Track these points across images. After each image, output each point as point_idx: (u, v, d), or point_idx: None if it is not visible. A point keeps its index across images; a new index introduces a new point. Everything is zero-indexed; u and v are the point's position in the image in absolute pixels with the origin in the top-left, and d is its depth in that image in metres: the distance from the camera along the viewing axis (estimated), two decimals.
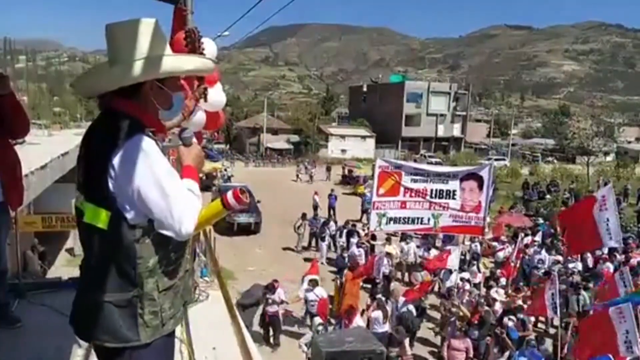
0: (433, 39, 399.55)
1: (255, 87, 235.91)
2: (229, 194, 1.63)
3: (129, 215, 1.46)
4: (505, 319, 8.65)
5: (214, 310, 3.39)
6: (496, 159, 36.88)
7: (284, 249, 16.16)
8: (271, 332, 9.30)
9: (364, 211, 18.76)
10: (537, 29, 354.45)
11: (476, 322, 8.45)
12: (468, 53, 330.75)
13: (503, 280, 11.16)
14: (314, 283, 9.66)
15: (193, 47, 3.05)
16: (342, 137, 49.82)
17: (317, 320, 8.75)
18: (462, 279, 10.76)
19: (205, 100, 3.20)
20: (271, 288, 9.27)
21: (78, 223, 1.59)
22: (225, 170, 30.34)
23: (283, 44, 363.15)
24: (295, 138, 49.42)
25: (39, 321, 2.97)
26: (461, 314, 8.95)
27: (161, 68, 1.51)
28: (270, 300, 9.10)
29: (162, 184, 1.44)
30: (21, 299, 3.22)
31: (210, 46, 3.44)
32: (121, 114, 1.50)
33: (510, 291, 10.51)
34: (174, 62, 1.57)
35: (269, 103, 62.65)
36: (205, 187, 23.06)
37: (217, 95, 3.53)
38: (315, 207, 20.17)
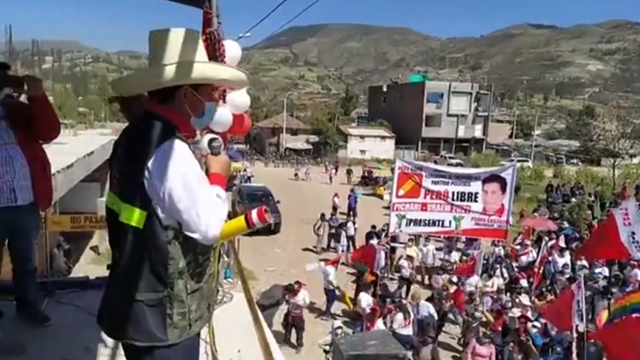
0: (454, 38, 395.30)
1: (275, 88, 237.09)
2: (254, 214, 1.67)
3: (162, 217, 1.50)
4: (530, 325, 8.48)
5: (238, 312, 3.40)
6: (519, 161, 36.22)
7: (304, 249, 16.17)
8: (293, 333, 9.32)
9: None
10: (561, 28, 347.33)
11: (500, 328, 8.30)
12: (489, 53, 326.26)
13: (523, 283, 10.94)
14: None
15: (213, 49, 3.07)
16: (362, 137, 49.69)
17: (337, 322, 8.73)
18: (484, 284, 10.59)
19: (224, 102, 3.22)
20: (292, 289, 9.29)
21: (109, 223, 1.62)
22: (245, 170, 30.56)
23: (303, 44, 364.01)
24: (314, 138, 49.48)
25: (67, 320, 3.02)
26: (484, 319, 8.81)
27: (193, 73, 1.55)
28: (293, 303, 9.12)
29: (191, 188, 1.47)
30: (50, 298, 3.27)
31: (234, 49, 3.45)
32: (156, 117, 1.55)
33: (533, 297, 10.30)
34: (205, 69, 1.60)
35: (288, 103, 62.92)
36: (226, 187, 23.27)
37: (240, 97, 3.53)
38: (335, 208, 20.13)
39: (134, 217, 1.50)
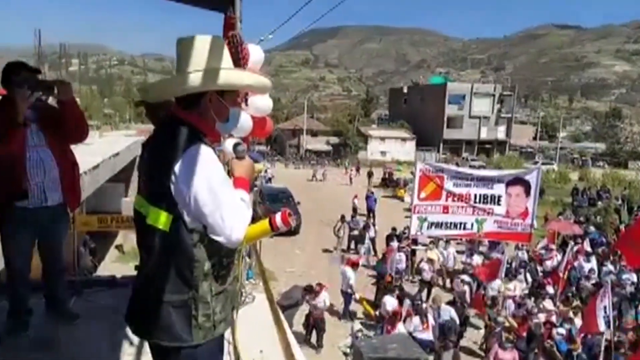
0: (476, 39, 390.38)
1: (296, 89, 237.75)
2: (278, 217, 1.71)
3: (188, 220, 1.52)
4: (554, 332, 8.31)
5: (260, 313, 3.42)
6: (543, 163, 35.54)
7: (324, 250, 16.18)
8: (314, 334, 9.34)
9: None
10: (586, 29, 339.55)
11: (524, 333, 8.15)
12: (513, 53, 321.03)
13: (549, 289, 10.72)
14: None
15: (235, 52, 3.11)
16: (382, 139, 49.52)
17: (357, 325, 8.72)
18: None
19: (246, 104, 3.25)
20: (311, 290, 9.31)
21: (137, 225, 1.65)
22: (266, 171, 30.77)
23: (323, 46, 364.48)
24: (334, 140, 49.51)
25: (94, 318, 3.08)
26: (507, 324, 8.66)
27: (218, 80, 1.58)
28: (314, 304, 9.14)
29: (216, 192, 1.50)
30: (78, 296, 3.35)
31: (256, 52, 3.49)
32: (182, 123, 1.58)
33: (558, 302, 10.08)
34: (231, 76, 1.63)
35: (308, 105, 63.02)
36: None
37: (263, 100, 3.56)
38: (355, 210, 20.10)
39: (161, 220, 1.53)
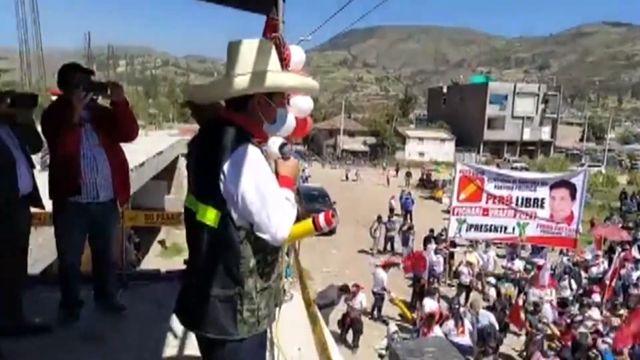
0: (520, 37, 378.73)
1: (334, 89, 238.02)
2: (321, 218, 1.74)
3: (235, 218, 1.57)
4: (599, 341, 7.97)
5: (298, 311, 3.46)
6: (590, 166, 34.13)
7: (359, 251, 16.14)
8: (350, 334, 9.35)
9: None
10: (638, 26, 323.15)
11: (569, 343, 7.86)
12: (559, 52, 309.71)
13: (596, 297, 10.29)
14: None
15: (278, 53, 3.16)
16: (420, 139, 48.87)
17: (393, 327, 8.64)
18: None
19: (288, 104, 3.30)
20: (347, 290, 9.31)
21: (187, 222, 1.71)
22: (303, 171, 30.97)
23: (361, 46, 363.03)
24: (371, 140, 49.24)
25: (139, 310, 3.21)
26: (549, 332, 8.38)
27: (266, 83, 1.61)
28: (351, 305, 9.15)
29: (263, 191, 1.54)
30: (124, 289, 3.49)
31: (298, 54, 3.53)
32: (230, 123, 1.62)
33: (605, 310, 9.67)
34: (278, 78, 1.66)
35: (346, 105, 62.97)
36: None
37: (304, 101, 3.61)
38: (391, 211, 19.94)
39: (210, 217, 1.59)
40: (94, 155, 2.90)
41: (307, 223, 1.74)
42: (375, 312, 10.68)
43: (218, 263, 1.61)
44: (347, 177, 34.34)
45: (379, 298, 10.65)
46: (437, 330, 7.91)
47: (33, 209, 2.86)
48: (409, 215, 19.72)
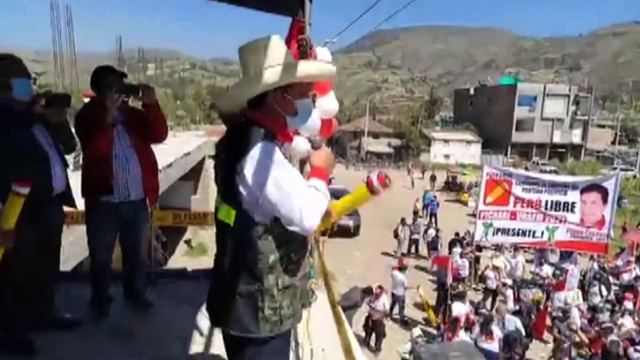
0: (549, 38, 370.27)
1: (358, 91, 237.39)
2: (374, 178, 1.74)
3: (254, 215, 1.59)
4: (631, 349, 7.72)
5: (322, 312, 3.47)
6: (622, 169, 33.05)
7: (383, 253, 16.05)
8: (373, 337, 9.32)
9: None
10: None
11: (599, 351, 7.64)
12: (590, 52, 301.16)
13: (629, 304, 9.96)
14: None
15: (305, 55, 3.19)
16: (446, 141, 48.24)
17: (416, 331, 8.57)
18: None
19: (314, 106, 3.31)
20: (370, 292, 9.29)
21: (215, 220, 1.76)
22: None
23: (386, 48, 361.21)
24: (396, 142, 48.88)
25: (167, 307, 3.28)
26: (577, 339, 8.15)
27: (297, 72, 1.63)
28: (374, 307, 9.12)
29: (281, 185, 1.54)
30: (152, 286, 3.57)
31: (325, 55, 3.55)
32: (252, 122, 1.65)
33: (638, 318, 9.35)
34: (307, 67, 1.69)
35: (371, 107, 62.70)
36: None
37: (330, 103, 3.62)
38: (416, 213, 19.78)
39: (229, 214, 1.63)
40: (126, 155, 2.97)
41: (361, 189, 1.76)
42: (395, 314, 10.62)
43: (238, 259, 1.64)
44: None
45: (400, 299, 10.60)
46: (462, 335, 7.81)
47: (66, 208, 2.95)
48: (433, 218, 19.51)
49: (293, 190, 1.54)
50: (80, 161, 3.10)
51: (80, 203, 3.05)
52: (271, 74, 1.59)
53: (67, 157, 2.90)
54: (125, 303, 3.28)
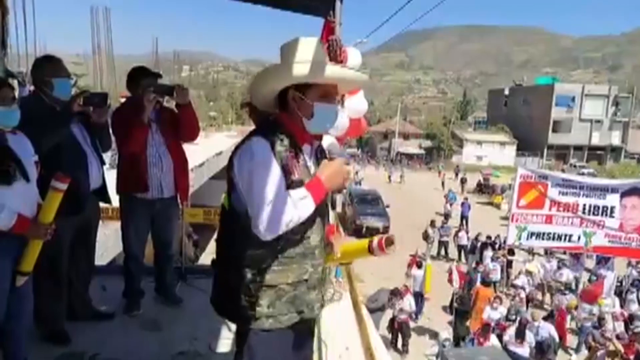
0: (589, 36, 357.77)
1: (390, 92, 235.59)
2: (375, 243, 1.71)
3: (242, 207, 1.61)
4: None
5: (347, 310, 3.48)
6: None
7: (411, 255, 15.86)
8: (400, 339, 9.25)
9: None
10: None
11: (632, 357, 7.36)
12: (632, 51, 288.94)
13: None
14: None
15: (334, 55, 3.20)
16: (479, 142, 47.29)
17: (444, 334, 8.45)
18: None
19: (342, 107, 3.32)
20: (398, 294, 9.24)
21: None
22: (357, 173, 30.92)
23: (418, 48, 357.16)
24: (427, 143, 48.29)
25: (196, 302, 3.35)
26: (612, 347, 7.87)
27: (326, 72, 1.62)
28: (399, 307, 9.06)
29: (252, 183, 1.55)
30: (182, 282, 3.66)
31: (355, 56, 3.56)
32: (273, 121, 1.68)
33: None
34: (335, 70, 1.67)
35: (402, 107, 62.14)
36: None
37: (359, 103, 3.63)
38: (446, 216, 19.50)
39: (225, 203, 1.71)
40: (160, 154, 3.06)
41: (363, 243, 1.75)
42: (415, 314, 10.56)
43: (224, 251, 1.72)
44: (389, 179, 33.87)
45: (420, 298, 10.55)
46: (493, 339, 7.68)
47: (101, 204, 3.06)
48: (464, 221, 19.19)
49: (261, 192, 1.52)
50: (116, 159, 3.21)
51: (115, 199, 3.15)
52: (301, 68, 1.58)
53: (104, 155, 3.01)
54: (156, 297, 3.38)
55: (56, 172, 2.19)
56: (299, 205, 1.55)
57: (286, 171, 1.57)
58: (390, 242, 1.68)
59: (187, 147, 3.36)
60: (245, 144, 1.60)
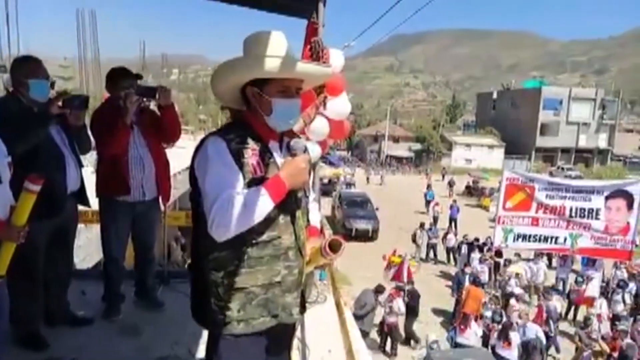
0: (576, 40, 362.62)
1: (379, 95, 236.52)
2: (324, 245, 1.67)
3: (203, 208, 1.56)
4: None
5: (331, 313, 3.47)
6: None
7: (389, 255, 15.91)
8: (389, 341, 9.25)
9: None
10: None
11: (616, 355, 7.43)
12: (619, 55, 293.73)
13: None
14: None
15: (316, 57, 3.20)
16: (468, 145, 47.64)
17: (432, 336, 8.47)
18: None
19: (324, 109, 3.32)
20: (382, 291, 9.31)
21: None
22: (352, 176, 31.10)
23: (408, 52, 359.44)
24: (416, 146, 48.54)
25: (178, 307, 3.31)
26: (597, 347, 7.94)
27: (296, 67, 1.60)
28: (388, 310, 9.06)
29: (205, 184, 1.52)
30: (165, 285, 3.62)
31: (337, 57, 3.56)
32: (240, 122, 1.67)
33: None
34: (306, 66, 1.66)
35: (391, 111, 62.42)
36: (326, 192, 23.78)
37: (342, 105, 3.63)
38: (435, 219, 19.60)
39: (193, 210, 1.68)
40: (141, 155, 3.02)
41: (318, 247, 1.70)
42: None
43: (194, 254, 1.71)
44: (368, 180, 33.84)
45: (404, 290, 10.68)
46: (474, 327, 7.86)
47: (80, 207, 3.02)
48: (453, 224, 19.30)
49: (212, 192, 1.48)
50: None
51: (94, 202, 3.10)
52: (273, 62, 1.54)
53: (87, 158, 2.97)
54: (137, 301, 3.34)
55: (32, 173, 2.16)
56: (252, 204, 1.47)
57: (247, 170, 1.54)
58: (335, 245, 1.64)
59: (175, 151, 3.32)
60: (204, 145, 1.58)
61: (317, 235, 1.91)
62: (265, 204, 1.49)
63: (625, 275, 11.86)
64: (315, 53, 3.26)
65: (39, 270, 2.69)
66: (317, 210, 2.09)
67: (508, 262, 12.20)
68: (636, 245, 10.79)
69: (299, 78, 1.65)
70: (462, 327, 8.24)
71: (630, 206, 10.20)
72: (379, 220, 18.68)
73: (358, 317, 8.69)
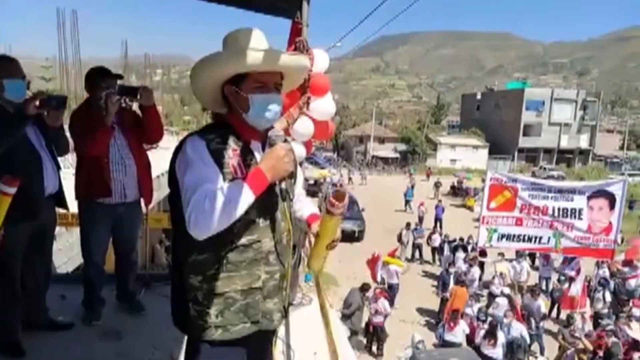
0: (559, 42, 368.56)
1: (365, 96, 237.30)
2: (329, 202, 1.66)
3: (180, 210, 1.50)
4: (636, 356, 7.59)
5: (316, 315, 3.45)
6: (630, 174, 32.71)
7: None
8: (375, 342, 9.27)
9: None
10: None
11: (602, 354, 7.54)
12: (599, 57, 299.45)
13: (637, 312, 9.81)
14: None
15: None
16: (452, 146, 48.08)
17: (417, 336, 8.50)
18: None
19: (308, 109, 3.30)
20: (368, 289, 9.34)
21: None
22: (341, 176, 31.12)
23: (394, 53, 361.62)
24: (402, 147, 48.80)
25: (160, 310, 3.24)
26: (581, 346, 8.05)
27: (280, 60, 1.56)
28: (374, 310, 9.08)
29: (184, 182, 1.47)
30: (147, 289, 3.56)
31: (322, 58, 3.54)
32: (216, 121, 1.65)
33: None
34: (290, 58, 1.62)
35: (377, 111, 62.67)
36: (312, 193, 23.77)
37: (326, 105, 3.60)
38: (421, 218, 19.71)
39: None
40: (122, 156, 2.97)
41: (324, 217, 1.72)
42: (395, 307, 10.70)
43: (174, 252, 1.64)
44: (350, 180, 33.83)
45: (395, 287, 10.97)
46: (462, 324, 7.91)
47: (59, 210, 2.95)
48: (438, 224, 19.42)
49: (190, 189, 1.43)
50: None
51: (73, 205, 3.03)
52: (256, 55, 1.50)
53: (68, 159, 2.90)
54: (118, 305, 3.28)
55: (6, 175, 2.10)
56: (232, 197, 1.41)
57: (227, 171, 1.50)
58: (341, 194, 1.65)
59: (159, 153, 3.27)
60: (183, 146, 1.54)
61: (315, 221, 1.89)
62: (245, 197, 1.43)
63: (607, 273, 12.06)
64: (300, 53, 3.24)
65: (17, 274, 2.61)
66: (311, 203, 2.05)
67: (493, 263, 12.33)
68: (618, 244, 10.99)
69: (277, 70, 1.60)
70: (451, 324, 8.30)
71: (612, 206, 10.37)
72: (364, 221, 18.71)
73: (346, 317, 8.70)
